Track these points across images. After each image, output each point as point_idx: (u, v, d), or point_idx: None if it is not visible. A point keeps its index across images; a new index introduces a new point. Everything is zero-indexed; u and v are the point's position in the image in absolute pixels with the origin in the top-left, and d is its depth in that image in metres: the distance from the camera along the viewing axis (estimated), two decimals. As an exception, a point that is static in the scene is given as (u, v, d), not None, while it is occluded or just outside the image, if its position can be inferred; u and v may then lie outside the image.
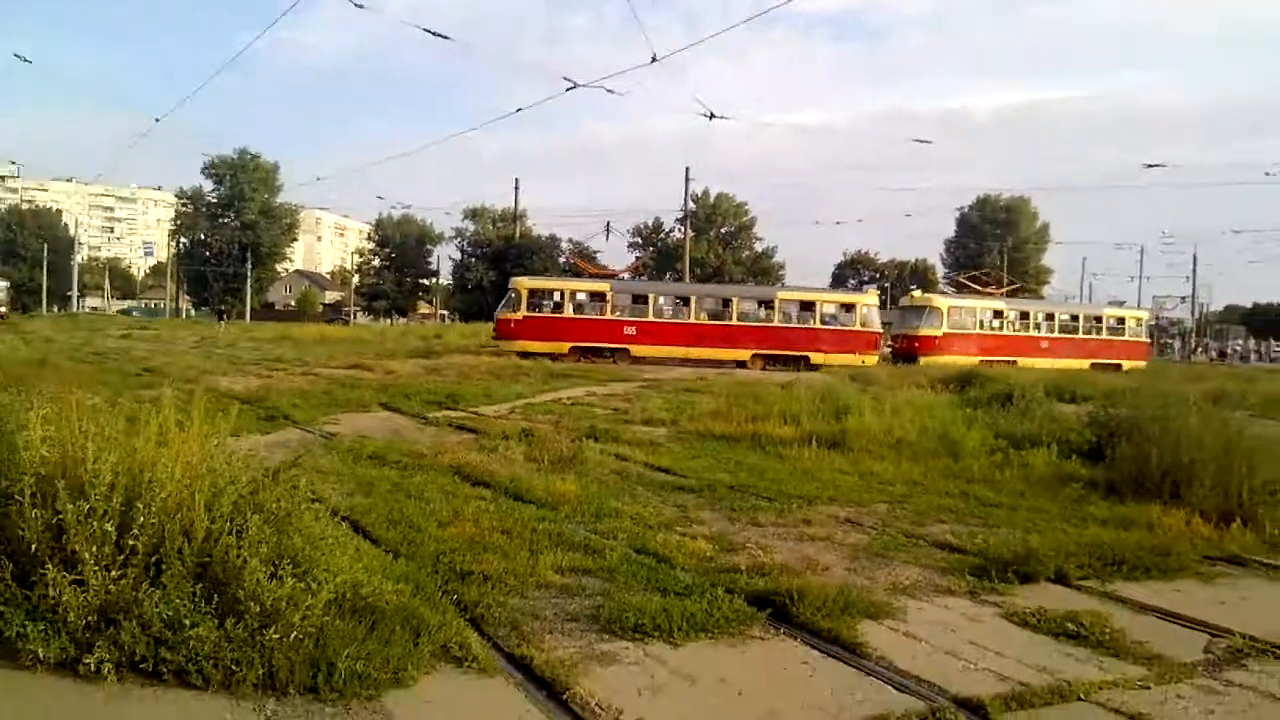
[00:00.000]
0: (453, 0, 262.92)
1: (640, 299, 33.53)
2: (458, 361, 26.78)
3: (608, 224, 69.43)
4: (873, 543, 7.23)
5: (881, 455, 11.22)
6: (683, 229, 65.32)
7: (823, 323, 33.47)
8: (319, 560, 4.28)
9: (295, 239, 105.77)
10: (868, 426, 12.15)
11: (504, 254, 73.55)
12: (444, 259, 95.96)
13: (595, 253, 73.86)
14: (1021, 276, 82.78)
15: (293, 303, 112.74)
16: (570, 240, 76.32)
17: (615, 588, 5.63)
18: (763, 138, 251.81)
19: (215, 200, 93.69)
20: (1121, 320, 41.61)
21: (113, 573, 3.95)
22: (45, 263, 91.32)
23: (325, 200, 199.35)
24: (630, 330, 32.42)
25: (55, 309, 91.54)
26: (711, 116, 27.01)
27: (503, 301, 34.23)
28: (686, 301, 34.04)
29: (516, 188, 72.50)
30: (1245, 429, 9.50)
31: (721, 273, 76.59)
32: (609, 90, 30.59)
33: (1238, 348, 70.55)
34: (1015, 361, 34.64)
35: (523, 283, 34.19)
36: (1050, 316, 40.81)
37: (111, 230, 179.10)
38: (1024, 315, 40.21)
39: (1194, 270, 74.10)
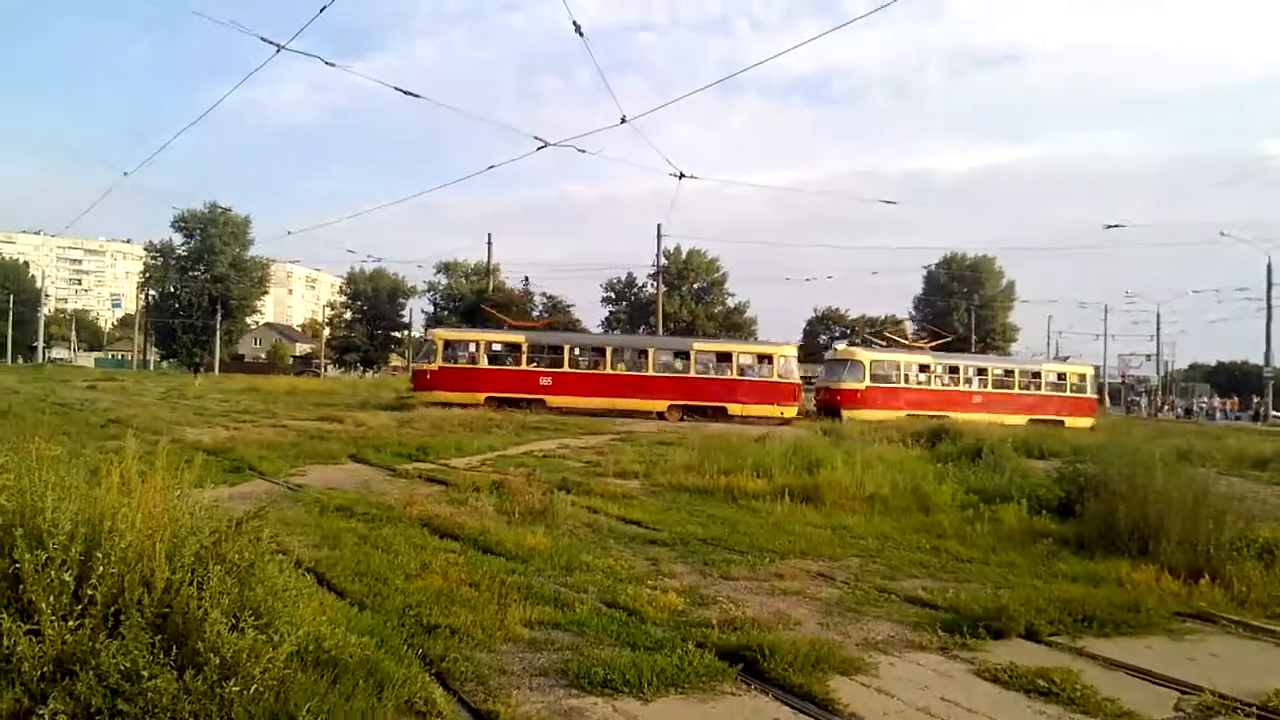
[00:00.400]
0: (428, 61, 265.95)
1: (556, 350, 33.83)
2: (430, 414, 26.58)
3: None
4: (845, 597, 7.20)
5: (853, 509, 11.24)
6: (655, 284, 65.74)
7: (740, 374, 33.86)
8: (281, 612, 4.19)
9: (266, 292, 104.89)
10: (840, 480, 12.17)
11: (477, 307, 73.56)
12: (416, 312, 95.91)
13: (570, 305, 74.30)
14: (989, 334, 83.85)
15: (263, 355, 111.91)
16: (544, 294, 76.41)
17: (585, 642, 5.56)
18: (734, 197, 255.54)
19: (185, 253, 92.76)
20: (1063, 376, 41.25)
21: (70, 623, 3.84)
22: (11, 314, 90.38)
23: (297, 253, 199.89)
24: (545, 381, 32.76)
25: (20, 360, 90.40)
26: (681, 176, 27.26)
27: (420, 352, 34.40)
28: (602, 352, 34.43)
29: (489, 242, 71.87)
30: (1212, 485, 9.59)
31: (694, 327, 76.83)
32: (580, 150, 30.90)
33: (1204, 405, 71.36)
34: (946, 416, 33.27)
35: (439, 334, 34.75)
36: (982, 371, 40.52)
37: (79, 282, 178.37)
38: (953, 369, 39.83)
39: (1157, 328, 75.20)
